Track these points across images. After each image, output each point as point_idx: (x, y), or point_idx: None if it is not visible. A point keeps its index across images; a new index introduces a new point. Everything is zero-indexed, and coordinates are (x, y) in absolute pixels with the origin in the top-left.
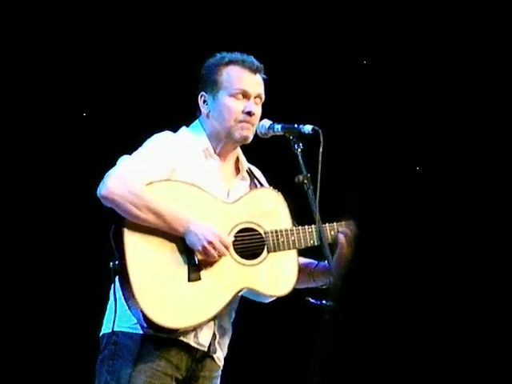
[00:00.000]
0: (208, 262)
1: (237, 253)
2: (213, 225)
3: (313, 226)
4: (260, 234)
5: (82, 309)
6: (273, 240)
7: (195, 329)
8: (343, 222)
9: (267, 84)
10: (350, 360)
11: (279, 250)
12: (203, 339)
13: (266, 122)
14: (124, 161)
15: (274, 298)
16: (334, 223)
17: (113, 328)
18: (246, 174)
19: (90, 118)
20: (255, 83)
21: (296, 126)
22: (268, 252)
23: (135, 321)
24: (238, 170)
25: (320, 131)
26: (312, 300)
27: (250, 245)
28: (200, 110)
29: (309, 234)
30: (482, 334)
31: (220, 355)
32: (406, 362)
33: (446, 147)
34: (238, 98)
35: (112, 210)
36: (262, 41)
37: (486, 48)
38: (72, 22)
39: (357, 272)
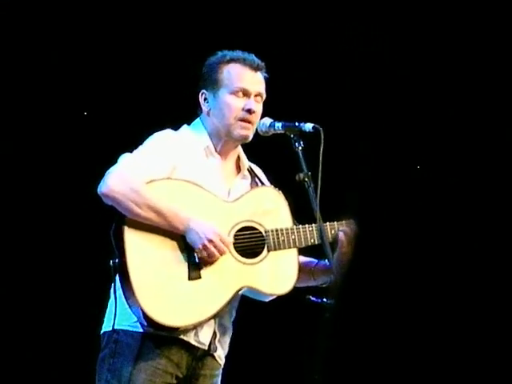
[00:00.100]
0: (208, 261)
1: (237, 251)
2: (213, 223)
3: (313, 224)
4: (260, 232)
5: (83, 307)
6: (273, 239)
7: (195, 327)
8: (343, 221)
9: (268, 82)
10: (351, 358)
11: (279, 248)
12: (203, 337)
13: (267, 121)
14: (125, 159)
15: (274, 297)
16: (335, 222)
17: (113, 326)
18: (246, 173)
19: (91, 117)
20: (256, 81)
21: (297, 124)
22: (268, 251)
23: (136, 319)
24: (238, 168)
25: (321, 129)
26: (312, 298)
27: (250, 243)
28: (201, 108)
29: (309, 233)
30: (482, 331)
31: (221, 353)
32: (406, 361)
33: (446, 147)
34: (239, 95)
35: (113, 208)
36: (263, 40)
37: (486, 47)
38: (72, 22)
39: (357, 270)
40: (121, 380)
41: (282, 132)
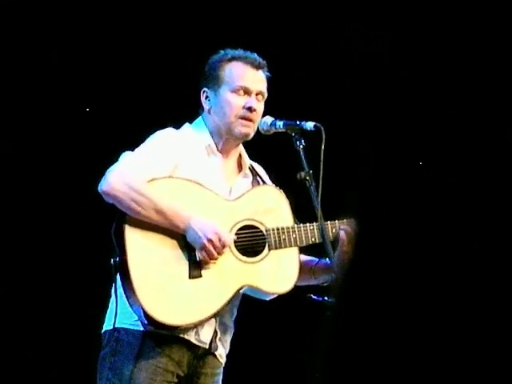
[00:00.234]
0: (209, 259)
1: (238, 250)
2: (214, 222)
3: (314, 223)
4: (261, 231)
5: (84, 305)
6: (274, 237)
7: (196, 326)
8: (344, 220)
9: (270, 81)
10: (352, 356)
11: (280, 247)
12: (204, 336)
13: (268, 119)
14: (126, 157)
15: (275, 296)
16: (336, 220)
17: (114, 325)
18: (248, 172)
19: (92, 115)
20: (257, 80)
21: (298, 122)
22: (269, 249)
23: (136, 317)
24: (240, 167)
25: (322, 128)
26: (314, 296)
27: (251, 242)
28: (202, 107)
29: (310, 232)
30: (481, 331)
31: (222, 352)
32: (406, 359)
33: (446, 147)
34: (240, 93)
35: (114, 207)
36: (264, 39)
37: (486, 47)
38: (74, 20)
39: (358, 269)
40: (122, 378)
41: (284, 130)
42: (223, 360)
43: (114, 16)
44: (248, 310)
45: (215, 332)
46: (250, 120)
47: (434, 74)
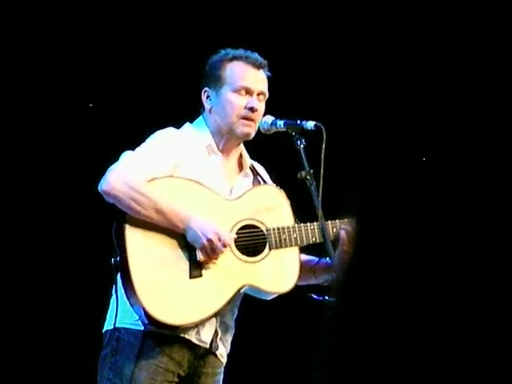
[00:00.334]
0: (209, 259)
1: (239, 250)
2: (214, 222)
3: (315, 223)
4: (262, 231)
5: (85, 305)
6: (275, 237)
7: (197, 325)
8: (345, 219)
9: (271, 80)
10: (352, 356)
11: (281, 247)
12: (205, 336)
13: (269, 119)
14: (127, 156)
15: (275, 296)
16: (337, 220)
17: (115, 324)
18: (249, 171)
19: (93, 114)
20: (258, 80)
21: (299, 122)
22: (270, 249)
23: (137, 317)
24: (241, 166)
25: (323, 127)
26: (314, 296)
27: (251, 242)
28: (203, 106)
29: (311, 232)
30: (482, 330)
31: (223, 352)
32: (406, 358)
33: (447, 147)
34: (241, 93)
35: (114, 206)
36: (264, 39)
37: (486, 47)
38: (76, 18)
39: (358, 269)
40: (122, 378)
41: (284, 130)
42: (224, 360)
43: (113, 16)
44: (249, 309)
45: (216, 332)
46: (252, 120)
47: (434, 74)
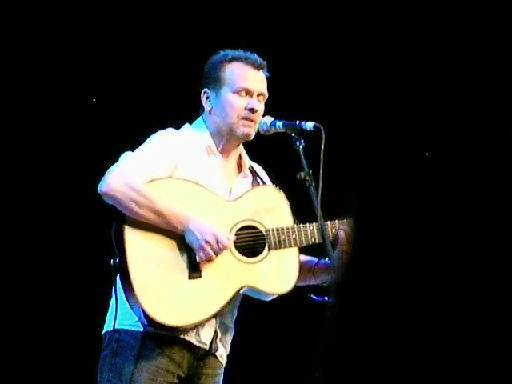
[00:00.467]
0: (208, 261)
1: (238, 250)
2: (213, 223)
3: (314, 223)
4: (261, 231)
5: (85, 307)
6: (274, 238)
7: (196, 327)
8: (344, 220)
9: (270, 81)
10: (352, 356)
11: (280, 247)
12: (205, 337)
13: (268, 119)
14: (126, 157)
15: (275, 296)
16: (336, 221)
17: (114, 326)
18: (248, 172)
19: (92, 116)
20: (258, 80)
21: (298, 122)
22: (269, 250)
23: (137, 318)
24: (240, 167)
25: (322, 128)
26: (314, 296)
27: (251, 243)
28: (203, 107)
29: (310, 232)
30: (482, 332)
31: (222, 353)
32: (406, 358)
33: (448, 147)
34: (241, 94)
35: (113, 207)
36: (264, 39)
37: (486, 46)
38: (76, 19)
39: (357, 268)
40: (122, 379)
41: (283, 131)
42: (224, 360)
43: (112, 17)
44: (248, 310)
45: (215, 333)
46: (252, 120)
47: (434, 75)
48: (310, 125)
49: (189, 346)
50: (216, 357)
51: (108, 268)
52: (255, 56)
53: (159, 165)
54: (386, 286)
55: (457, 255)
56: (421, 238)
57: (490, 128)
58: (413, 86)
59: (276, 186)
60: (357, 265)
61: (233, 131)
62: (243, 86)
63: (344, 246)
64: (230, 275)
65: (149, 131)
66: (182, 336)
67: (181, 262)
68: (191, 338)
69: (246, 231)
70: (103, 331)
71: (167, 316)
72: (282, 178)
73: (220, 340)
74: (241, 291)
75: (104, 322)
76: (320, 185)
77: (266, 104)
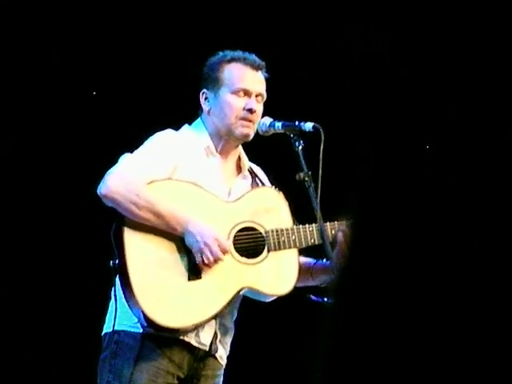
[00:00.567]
0: (207, 263)
1: (237, 252)
2: (212, 225)
3: (313, 224)
4: (261, 233)
5: (84, 308)
6: (273, 239)
7: (196, 328)
8: (344, 221)
9: (269, 82)
10: (352, 356)
11: (280, 249)
12: (204, 338)
13: (267, 120)
14: (125, 159)
15: (274, 298)
16: (335, 222)
17: (114, 327)
18: (247, 173)
19: (92, 117)
20: (256, 81)
21: (297, 123)
22: (268, 251)
23: (136, 320)
24: (239, 168)
25: (321, 129)
26: (313, 297)
27: (250, 244)
28: (202, 108)
29: (309, 233)
30: (482, 332)
31: (222, 354)
32: (406, 358)
33: (447, 147)
34: (240, 95)
35: (113, 209)
36: (263, 39)
37: (487, 46)
38: (77, 19)
39: (357, 269)
40: (122, 381)
41: (282, 132)
42: (224, 362)
43: (112, 17)
44: (248, 311)
45: (215, 334)
46: (251, 121)
47: (434, 75)
48: (309, 125)
49: (188, 347)
50: (216, 358)
51: (107, 269)
52: (254, 57)
53: (158, 166)
54: (385, 286)
55: (457, 256)
56: (420, 239)
57: (490, 128)
58: (412, 86)
59: (275, 187)
60: (355, 265)
61: (231, 132)
62: (241, 86)
63: (343, 247)
64: (229, 276)
65: (148, 132)
66: (181, 337)
67: (180, 264)
68: (191, 339)
69: (245, 232)
70: (103, 332)
71: (167, 318)
72: (281, 179)
73: (220, 341)
74: (240, 292)
75: (103, 324)
76: (319, 185)
77: (265, 105)
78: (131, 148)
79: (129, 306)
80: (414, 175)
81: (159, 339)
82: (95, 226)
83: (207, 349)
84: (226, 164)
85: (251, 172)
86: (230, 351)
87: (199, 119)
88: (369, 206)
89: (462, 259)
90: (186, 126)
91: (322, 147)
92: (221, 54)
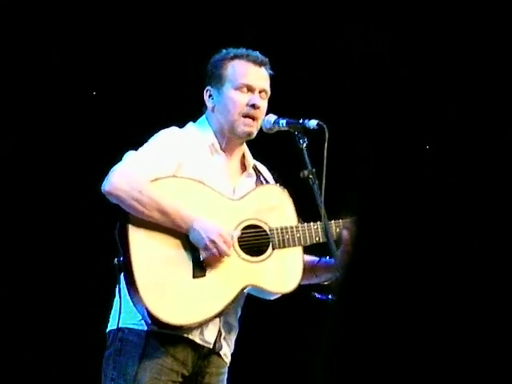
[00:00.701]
0: (212, 260)
1: (242, 249)
2: (217, 222)
3: (318, 222)
4: (265, 230)
5: (89, 305)
6: (278, 237)
7: (200, 325)
8: (348, 219)
9: (273, 79)
10: (354, 355)
11: (284, 247)
12: (208, 336)
13: (271, 117)
14: (130, 156)
15: (278, 296)
16: (340, 219)
17: (118, 324)
18: (251, 171)
19: (96, 115)
20: (260, 77)
21: (301, 121)
22: (273, 249)
23: (140, 317)
24: (244, 166)
25: (325, 126)
26: (317, 295)
27: (255, 242)
28: (206, 105)
29: (314, 231)
30: (482, 332)
31: (227, 352)
32: (407, 357)
33: (447, 147)
34: (243, 91)
35: (117, 206)
36: (265, 38)
37: (487, 46)
38: (78, 18)
39: (358, 267)
40: (126, 378)
41: (286, 129)
42: (228, 359)
43: (115, 16)
44: (252, 309)
45: (219, 331)
46: (254, 117)
47: (434, 75)
48: (313, 123)
49: (193, 344)
50: (220, 356)
51: (112, 267)
52: (257, 53)
53: (163, 163)
54: (387, 285)
55: (457, 255)
56: (421, 238)
57: (490, 128)
58: (413, 86)
59: (280, 184)
60: (358, 264)
61: (234, 129)
62: (245, 82)
63: (348, 245)
64: (233, 274)
65: (152, 130)
66: (185, 335)
67: (185, 261)
68: (195, 336)
69: (250, 230)
70: (107, 330)
71: (171, 315)
72: (286, 177)
73: (224, 339)
74: (245, 290)
75: (108, 321)
76: (323, 183)
77: (270, 102)
78: (136, 145)
79: (133, 303)
80: (414, 175)
81: (163, 337)
82: (100, 224)
83: (211, 346)
84: (231, 162)
85: (256, 170)
86: (235, 349)
87: (204, 117)
88: (369, 206)
89: (462, 259)
90: (190, 124)
91: (326, 145)
92: (224, 51)
